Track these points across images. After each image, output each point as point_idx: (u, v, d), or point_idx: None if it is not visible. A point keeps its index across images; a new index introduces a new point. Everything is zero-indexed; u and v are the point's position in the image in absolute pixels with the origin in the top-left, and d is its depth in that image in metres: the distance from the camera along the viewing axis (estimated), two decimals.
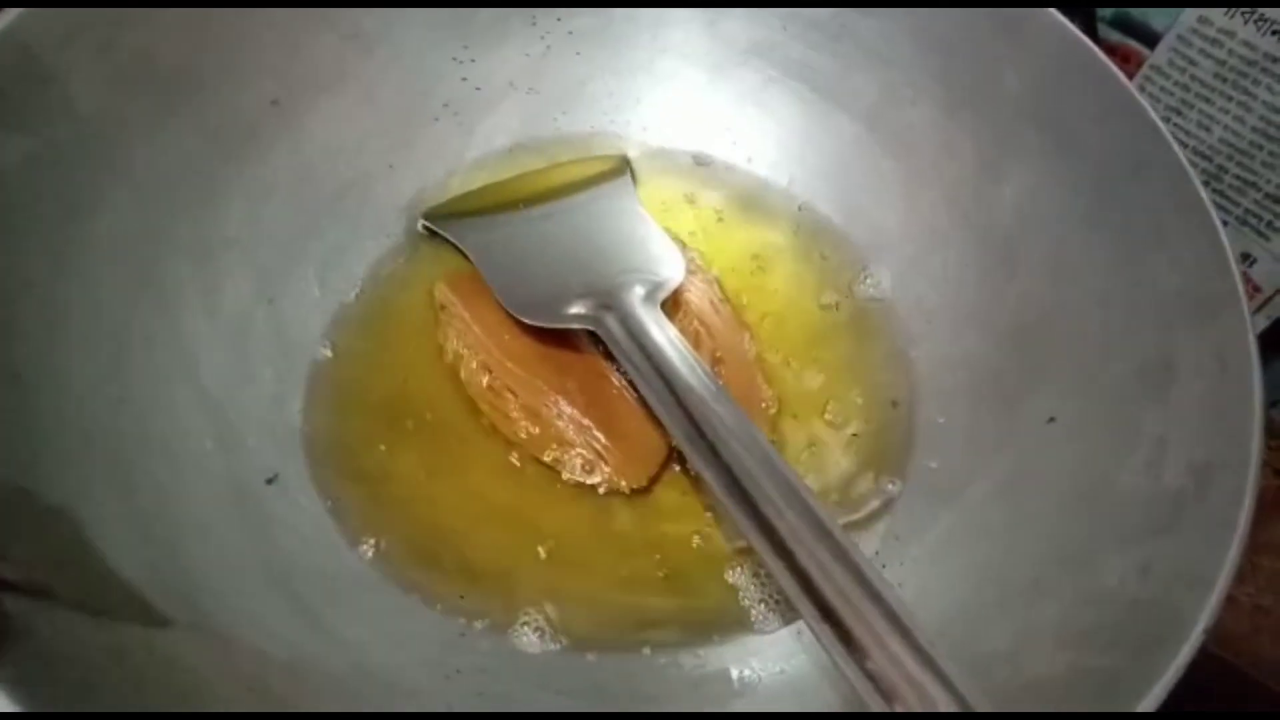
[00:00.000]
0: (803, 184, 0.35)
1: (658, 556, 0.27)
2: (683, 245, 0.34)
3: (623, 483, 0.28)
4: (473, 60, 0.34)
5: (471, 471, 0.28)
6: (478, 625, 0.25)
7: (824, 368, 0.32)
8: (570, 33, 0.34)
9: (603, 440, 0.29)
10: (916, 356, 0.31)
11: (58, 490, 0.22)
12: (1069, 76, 0.30)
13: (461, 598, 0.26)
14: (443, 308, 0.31)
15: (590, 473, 0.28)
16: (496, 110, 0.34)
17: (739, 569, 0.27)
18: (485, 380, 0.30)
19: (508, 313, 0.30)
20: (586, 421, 0.29)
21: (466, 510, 0.28)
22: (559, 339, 0.30)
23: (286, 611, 0.24)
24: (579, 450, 0.29)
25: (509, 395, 0.30)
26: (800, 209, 0.35)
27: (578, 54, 0.35)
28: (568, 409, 0.29)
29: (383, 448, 0.28)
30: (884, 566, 0.27)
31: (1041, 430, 0.27)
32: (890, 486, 0.29)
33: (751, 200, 0.35)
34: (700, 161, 0.36)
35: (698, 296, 0.32)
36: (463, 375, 0.30)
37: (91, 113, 0.26)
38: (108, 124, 0.27)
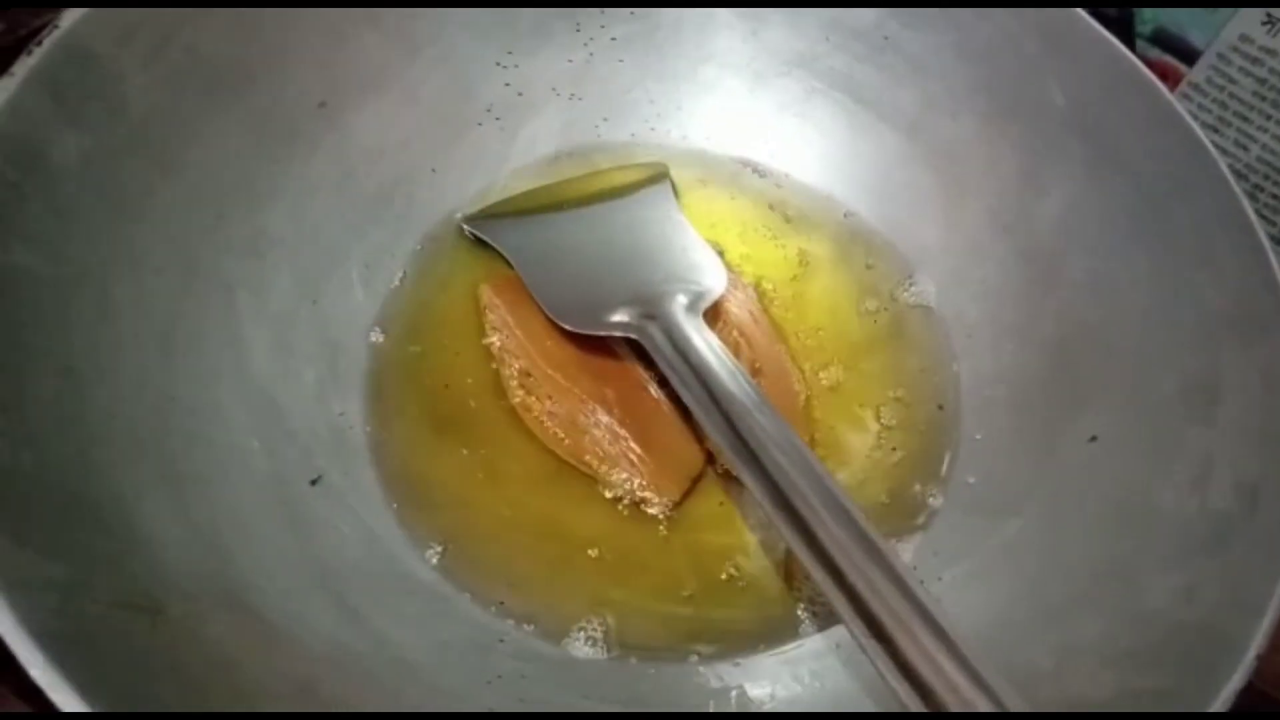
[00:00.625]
0: (844, 195, 0.35)
1: (698, 565, 0.27)
2: (722, 254, 0.34)
3: (658, 495, 0.28)
4: (516, 65, 0.34)
5: (514, 476, 0.29)
6: (525, 629, 0.26)
7: (864, 377, 0.32)
8: (613, 39, 0.35)
9: (639, 451, 0.29)
10: (957, 370, 0.31)
11: (107, 485, 0.22)
12: (1113, 91, 0.30)
13: (503, 603, 0.26)
14: (486, 311, 0.31)
15: (626, 485, 0.28)
16: (539, 115, 0.35)
17: (782, 579, 0.27)
18: (525, 385, 0.30)
19: (549, 318, 0.30)
20: (623, 432, 0.29)
21: (507, 515, 0.28)
22: (599, 347, 0.30)
23: (332, 610, 0.24)
24: (615, 461, 0.29)
25: (547, 402, 0.30)
26: (842, 219, 0.35)
27: (620, 61, 0.35)
28: (605, 418, 0.29)
29: (425, 449, 0.29)
30: (922, 581, 0.27)
31: (1083, 449, 0.27)
32: (930, 500, 0.29)
33: (792, 210, 0.35)
34: (741, 171, 0.36)
35: (737, 307, 0.32)
36: (503, 380, 0.30)
37: (144, 112, 0.26)
38: (159, 123, 0.27)
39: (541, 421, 0.30)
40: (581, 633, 0.26)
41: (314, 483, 0.26)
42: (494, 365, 0.31)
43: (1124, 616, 0.23)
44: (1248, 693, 0.30)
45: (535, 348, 0.30)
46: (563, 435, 0.29)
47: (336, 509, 0.26)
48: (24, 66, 0.23)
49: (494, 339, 0.31)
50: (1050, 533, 0.26)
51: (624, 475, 0.29)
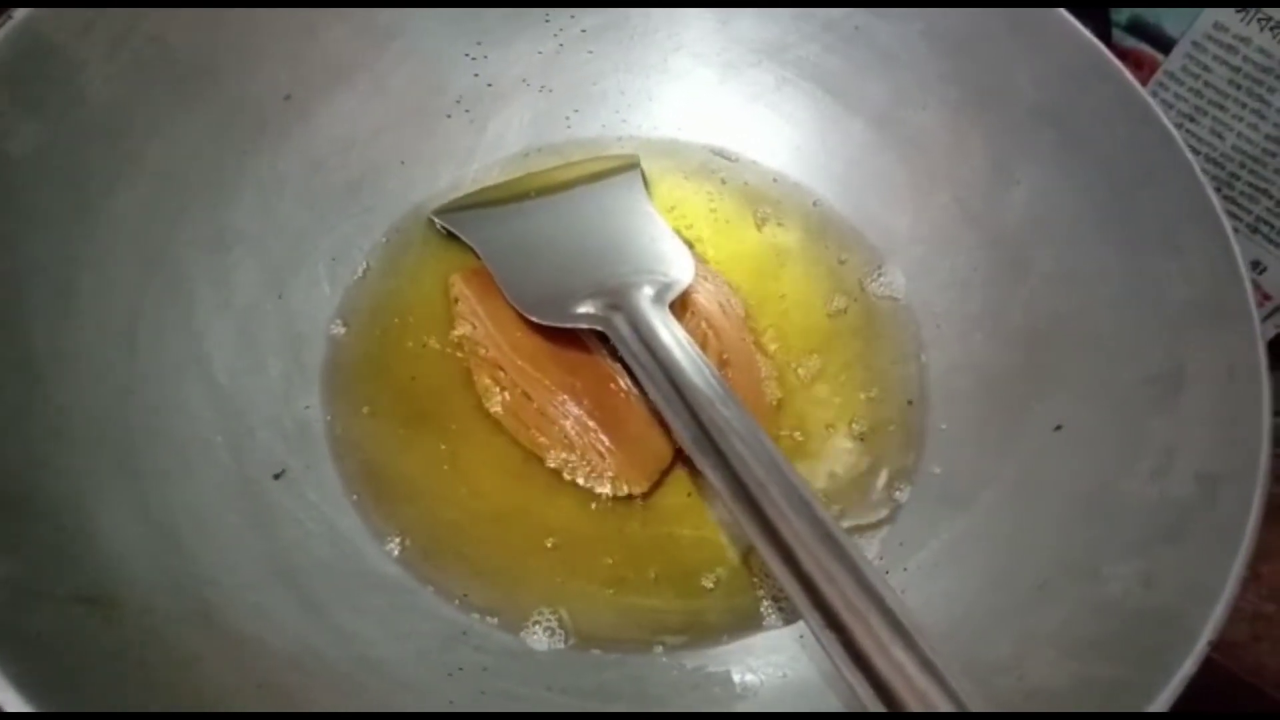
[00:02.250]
0: (814, 184, 0.35)
1: (665, 557, 0.27)
2: (691, 245, 0.34)
3: (625, 487, 0.28)
4: (486, 57, 0.34)
5: (480, 468, 0.29)
6: (487, 621, 0.26)
7: (834, 369, 0.32)
8: (583, 30, 0.34)
9: (606, 443, 0.29)
10: (925, 360, 0.31)
11: (65, 480, 0.22)
12: (1082, 81, 0.30)
13: (466, 595, 0.26)
14: (456, 301, 0.31)
15: (593, 476, 0.28)
16: (509, 107, 0.34)
17: (745, 571, 0.27)
18: (493, 376, 0.30)
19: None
20: (592, 423, 0.29)
21: (473, 507, 0.28)
22: (569, 338, 0.30)
23: (295, 606, 0.24)
24: (583, 452, 0.29)
25: (515, 393, 0.30)
26: (813, 209, 0.35)
27: (590, 52, 0.35)
28: (574, 409, 0.29)
29: (392, 443, 0.28)
30: (887, 573, 0.27)
31: (1048, 437, 0.27)
32: (897, 493, 0.29)
33: (762, 200, 0.35)
34: (712, 161, 0.35)
35: (705, 297, 0.32)
36: (472, 370, 0.30)
37: (105, 102, 0.26)
38: (121, 114, 0.27)
39: (510, 413, 0.30)
40: (538, 625, 0.26)
41: (277, 477, 0.26)
42: (461, 357, 0.31)
43: (1084, 605, 0.23)
44: (1247, 692, 0.30)
45: (505, 338, 0.30)
46: (531, 427, 0.29)
47: (299, 503, 0.26)
48: None
49: (463, 329, 0.31)
50: (1014, 521, 0.26)
51: (592, 467, 0.29)
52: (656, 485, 0.29)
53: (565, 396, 0.29)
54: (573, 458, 0.29)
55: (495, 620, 0.26)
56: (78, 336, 0.24)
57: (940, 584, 0.26)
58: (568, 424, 0.29)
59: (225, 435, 0.26)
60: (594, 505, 0.28)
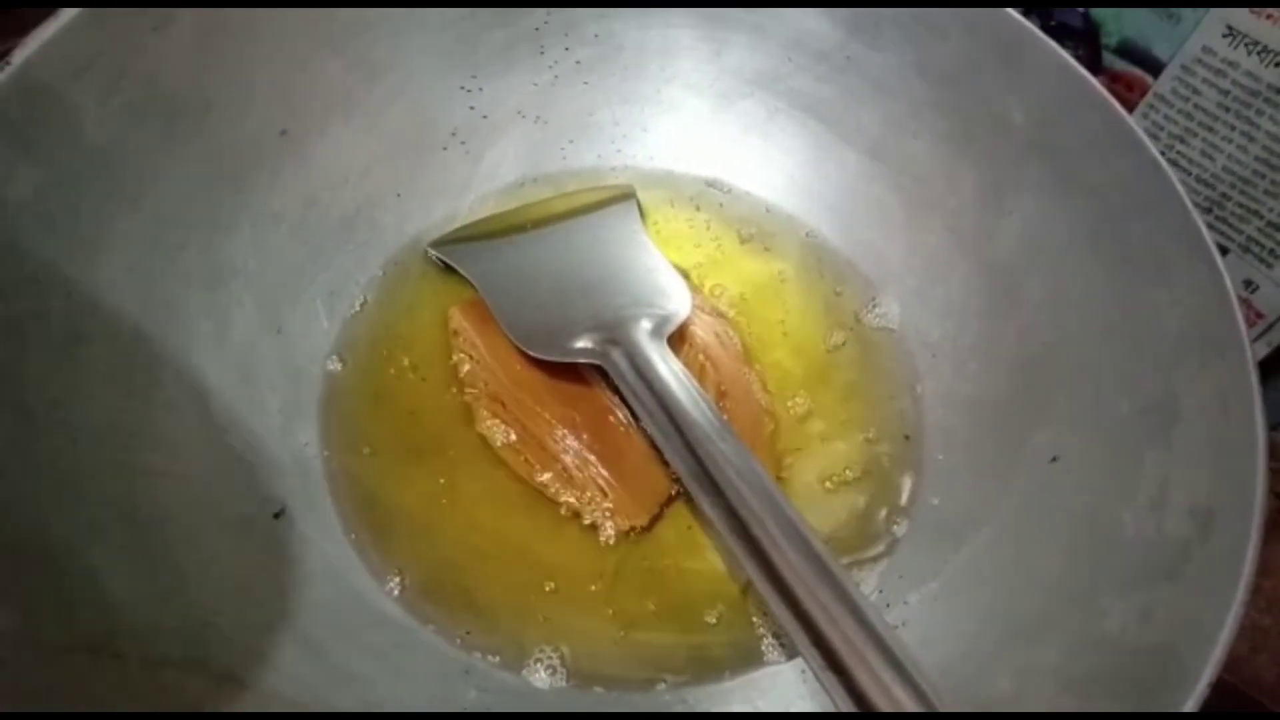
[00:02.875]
0: (808, 215, 0.35)
1: (666, 590, 0.27)
2: (688, 276, 0.34)
3: (624, 522, 0.28)
4: (480, 89, 0.34)
5: (480, 503, 0.29)
6: (488, 660, 0.26)
7: (830, 400, 0.32)
8: (578, 62, 0.35)
9: (607, 476, 0.29)
10: (921, 391, 0.32)
11: (65, 525, 0.22)
12: (1071, 110, 0.30)
13: (468, 633, 0.26)
14: (455, 334, 0.31)
15: (594, 511, 0.28)
16: (504, 138, 0.35)
17: (746, 604, 0.27)
18: (492, 410, 0.30)
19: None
20: (591, 457, 0.29)
21: (473, 543, 0.28)
22: (567, 371, 0.30)
23: (296, 647, 0.24)
24: (583, 486, 0.29)
25: (515, 427, 0.30)
26: (807, 239, 0.35)
27: (585, 83, 0.35)
28: (573, 443, 0.29)
29: (391, 479, 0.29)
30: (888, 606, 0.27)
31: (1044, 469, 0.27)
32: (895, 526, 0.29)
33: (757, 230, 0.35)
34: (706, 192, 0.36)
35: (703, 329, 0.32)
36: (471, 404, 0.30)
37: (102, 143, 0.26)
38: (117, 154, 0.27)
39: (510, 447, 0.30)
40: (539, 663, 0.26)
41: (277, 516, 0.26)
42: (457, 390, 0.31)
43: (1083, 639, 0.23)
44: (1245, 704, 0.30)
45: (504, 371, 0.30)
46: (531, 460, 0.29)
47: (299, 542, 0.26)
48: None
49: (462, 363, 0.31)
50: (1012, 553, 0.26)
51: (591, 500, 0.29)
52: (656, 519, 0.29)
53: (565, 430, 0.29)
54: (573, 492, 0.29)
55: (497, 659, 0.26)
56: (78, 381, 0.24)
57: (940, 617, 0.26)
58: (568, 458, 0.29)
59: (224, 474, 0.26)
60: (595, 539, 0.28)
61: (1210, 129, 0.36)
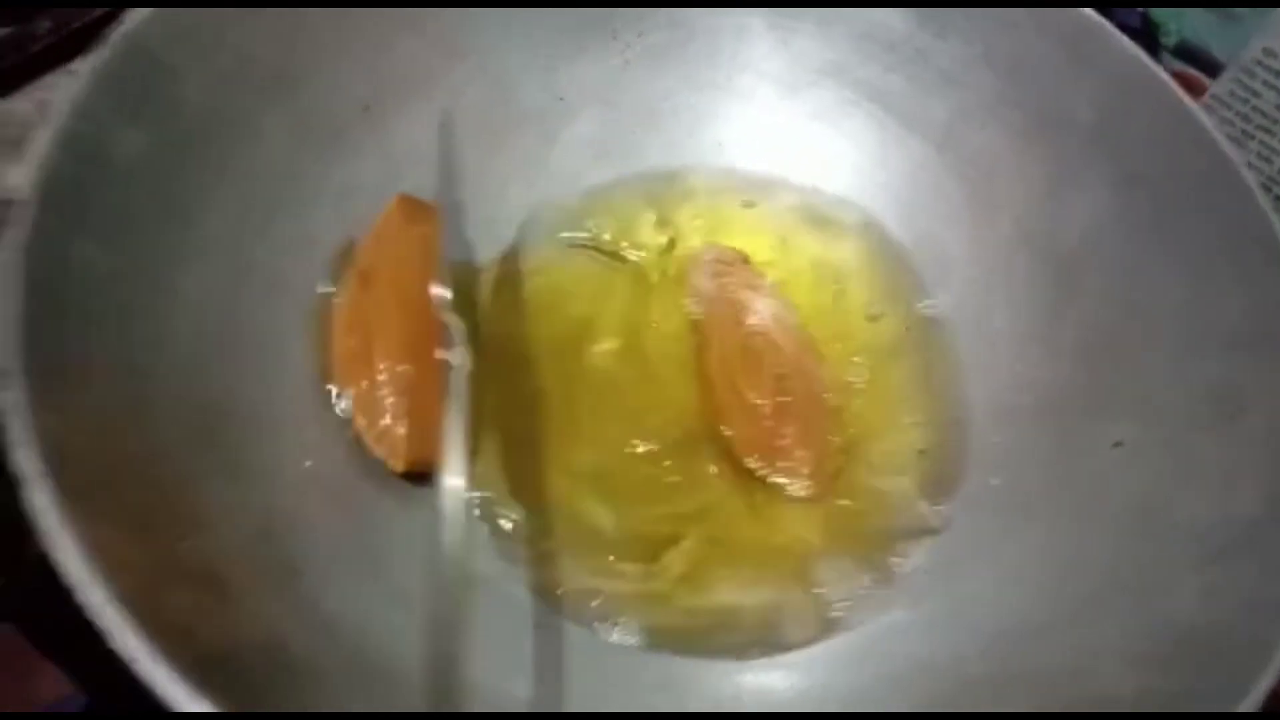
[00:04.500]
0: (872, 204, 0.35)
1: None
2: (747, 260, 0.35)
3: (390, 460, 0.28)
4: (556, 71, 0.35)
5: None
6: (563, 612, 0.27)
7: (887, 385, 0.32)
8: (650, 47, 0.35)
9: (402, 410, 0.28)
10: (979, 376, 0.32)
11: (173, 471, 0.23)
12: (1139, 104, 0.31)
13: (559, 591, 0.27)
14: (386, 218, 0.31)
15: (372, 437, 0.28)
16: (577, 121, 0.35)
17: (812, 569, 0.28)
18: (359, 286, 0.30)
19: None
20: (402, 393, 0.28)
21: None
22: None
23: (383, 596, 0.24)
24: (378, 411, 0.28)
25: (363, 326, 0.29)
26: (868, 228, 0.35)
27: (656, 69, 0.36)
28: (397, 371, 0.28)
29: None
30: (944, 579, 0.28)
31: (1107, 454, 0.28)
32: (948, 504, 0.30)
33: (820, 218, 0.36)
34: (772, 178, 0.36)
35: (765, 314, 0.33)
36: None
37: (198, 111, 0.27)
38: (212, 122, 0.28)
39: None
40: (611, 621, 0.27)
41: (368, 474, 0.27)
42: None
43: (1147, 618, 0.24)
44: None
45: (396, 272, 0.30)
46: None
47: (384, 493, 0.27)
48: (89, 65, 0.24)
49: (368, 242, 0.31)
50: (1073, 535, 0.27)
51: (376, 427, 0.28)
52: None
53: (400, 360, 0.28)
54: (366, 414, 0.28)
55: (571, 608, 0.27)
56: (175, 336, 0.25)
57: (1001, 593, 0.27)
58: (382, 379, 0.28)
59: (315, 429, 0.27)
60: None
61: (1269, 131, 0.37)
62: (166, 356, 0.25)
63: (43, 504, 0.19)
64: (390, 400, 0.28)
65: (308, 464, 0.26)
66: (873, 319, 0.34)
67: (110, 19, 0.26)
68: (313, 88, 0.30)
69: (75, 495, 0.19)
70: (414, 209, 0.31)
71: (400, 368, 0.28)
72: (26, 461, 0.19)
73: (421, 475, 0.27)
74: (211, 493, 0.23)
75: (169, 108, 0.26)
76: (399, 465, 0.28)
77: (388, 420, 0.28)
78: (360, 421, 0.28)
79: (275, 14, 0.29)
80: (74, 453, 0.20)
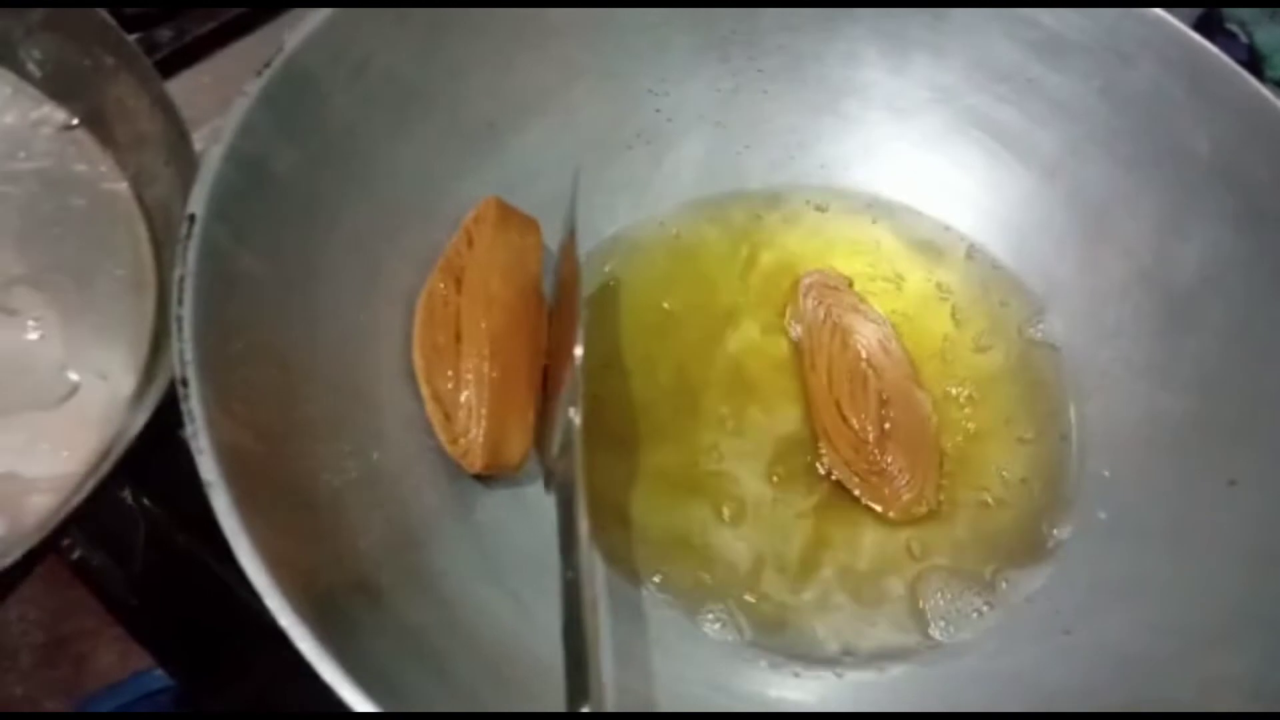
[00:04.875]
0: (978, 230, 0.36)
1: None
2: (851, 284, 0.35)
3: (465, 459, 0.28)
4: (667, 93, 0.36)
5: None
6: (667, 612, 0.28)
7: (992, 412, 0.33)
8: (760, 71, 0.36)
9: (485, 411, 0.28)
10: (1087, 406, 0.32)
11: (320, 476, 0.24)
12: (1258, 140, 0.31)
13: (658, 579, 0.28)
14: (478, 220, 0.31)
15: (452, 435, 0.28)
16: (685, 140, 0.36)
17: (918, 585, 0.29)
18: (448, 289, 0.30)
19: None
20: (485, 390, 0.28)
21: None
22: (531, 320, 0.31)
23: (508, 601, 0.25)
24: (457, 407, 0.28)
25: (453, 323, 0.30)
26: (974, 254, 0.36)
27: (765, 91, 0.36)
28: (482, 370, 0.29)
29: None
30: (1055, 610, 0.28)
31: (1222, 491, 0.28)
32: (1056, 531, 0.30)
33: (926, 243, 0.36)
34: (877, 202, 0.37)
35: (868, 337, 0.33)
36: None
37: (342, 127, 0.28)
38: (353, 139, 0.29)
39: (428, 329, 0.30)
40: (710, 614, 0.28)
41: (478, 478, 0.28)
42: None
43: (1270, 655, 0.24)
44: None
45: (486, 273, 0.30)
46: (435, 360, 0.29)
47: (506, 502, 0.28)
48: (255, 86, 0.25)
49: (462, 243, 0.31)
50: (1188, 570, 0.27)
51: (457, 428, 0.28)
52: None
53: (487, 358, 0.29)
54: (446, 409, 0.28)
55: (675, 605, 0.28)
56: (316, 342, 0.26)
57: (1114, 625, 0.27)
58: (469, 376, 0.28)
59: (434, 439, 0.28)
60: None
61: None
62: (311, 360, 0.26)
63: (223, 508, 0.20)
64: (472, 402, 0.28)
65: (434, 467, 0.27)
66: (979, 346, 0.34)
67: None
68: (444, 104, 0.32)
69: (247, 500, 0.20)
70: (508, 215, 0.32)
71: (486, 370, 0.28)
72: (207, 469, 0.20)
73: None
74: (352, 500, 0.25)
75: (319, 126, 0.28)
76: (475, 467, 0.28)
77: (467, 422, 0.28)
78: (438, 419, 0.28)
79: (416, 36, 0.30)
80: (241, 457, 0.21)
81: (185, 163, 0.27)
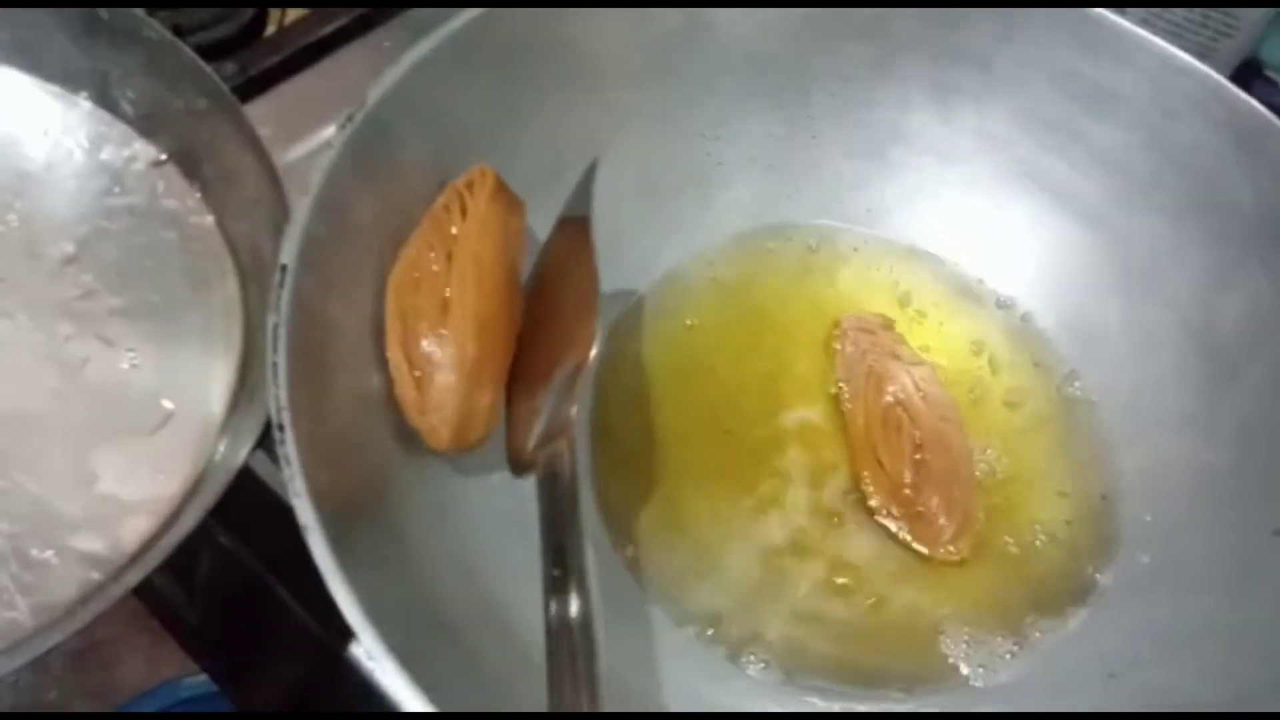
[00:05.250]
0: (1019, 279, 0.37)
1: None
2: (890, 326, 0.36)
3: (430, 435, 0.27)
4: (718, 138, 0.37)
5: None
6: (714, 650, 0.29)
7: (1032, 455, 0.33)
8: (810, 116, 0.37)
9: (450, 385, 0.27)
10: (1127, 453, 0.33)
11: (391, 512, 0.25)
12: None
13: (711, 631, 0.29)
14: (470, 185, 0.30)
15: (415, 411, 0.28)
16: (735, 184, 0.37)
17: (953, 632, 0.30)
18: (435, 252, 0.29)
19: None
20: (448, 358, 0.27)
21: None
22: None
23: None
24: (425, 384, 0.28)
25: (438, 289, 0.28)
26: (1014, 304, 0.37)
27: (814, 136, 0.37)
28: (448, 340, 0.28)
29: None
30: (1100, 655, 0.29)
31: (1266, 540, 0.29)
32: (1099, 576, 0.31)
33: (965, 290, 0.37)
34: (918, 248, 0.38)
35: (905, 382, 0.34)
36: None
37: (416, 175, 0.30)
38: (423, 186, 0.30)
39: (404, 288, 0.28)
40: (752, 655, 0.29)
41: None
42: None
43: None
44: None
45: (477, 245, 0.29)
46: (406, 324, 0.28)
47: None
48: (340, 138, 0.26)
49: (454, 207, 0.30)
50: (1235, 617, 0.28)
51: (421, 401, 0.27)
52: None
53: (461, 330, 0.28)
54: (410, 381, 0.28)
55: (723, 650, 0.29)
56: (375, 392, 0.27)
57: (1160, 671, 0.28)
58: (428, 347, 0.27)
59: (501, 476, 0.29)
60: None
61: None
62: (374, 397, 0.27)
63: (320, 551, 0.21)
64: (450, 380, 0.27)
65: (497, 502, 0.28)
66: (1014, 392, 0.35)
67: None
68: (506, 151, 0.32)
69: (340, 543, 0.21)
70: (502, 190, 0.31)
71: (470, 350, 0.28)
72: (303, 512, 0.21)
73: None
74: (421, 538, 0.26)
75: (393, 174, 0.29)
76: (441, 444, 0.27)
77: (441, 398, 0.27)
78: (406, 386, 0.27)
79: (485, 86, 0.31)
80: (329, 495, 0.22)
81: (273, 203, 0.28)
